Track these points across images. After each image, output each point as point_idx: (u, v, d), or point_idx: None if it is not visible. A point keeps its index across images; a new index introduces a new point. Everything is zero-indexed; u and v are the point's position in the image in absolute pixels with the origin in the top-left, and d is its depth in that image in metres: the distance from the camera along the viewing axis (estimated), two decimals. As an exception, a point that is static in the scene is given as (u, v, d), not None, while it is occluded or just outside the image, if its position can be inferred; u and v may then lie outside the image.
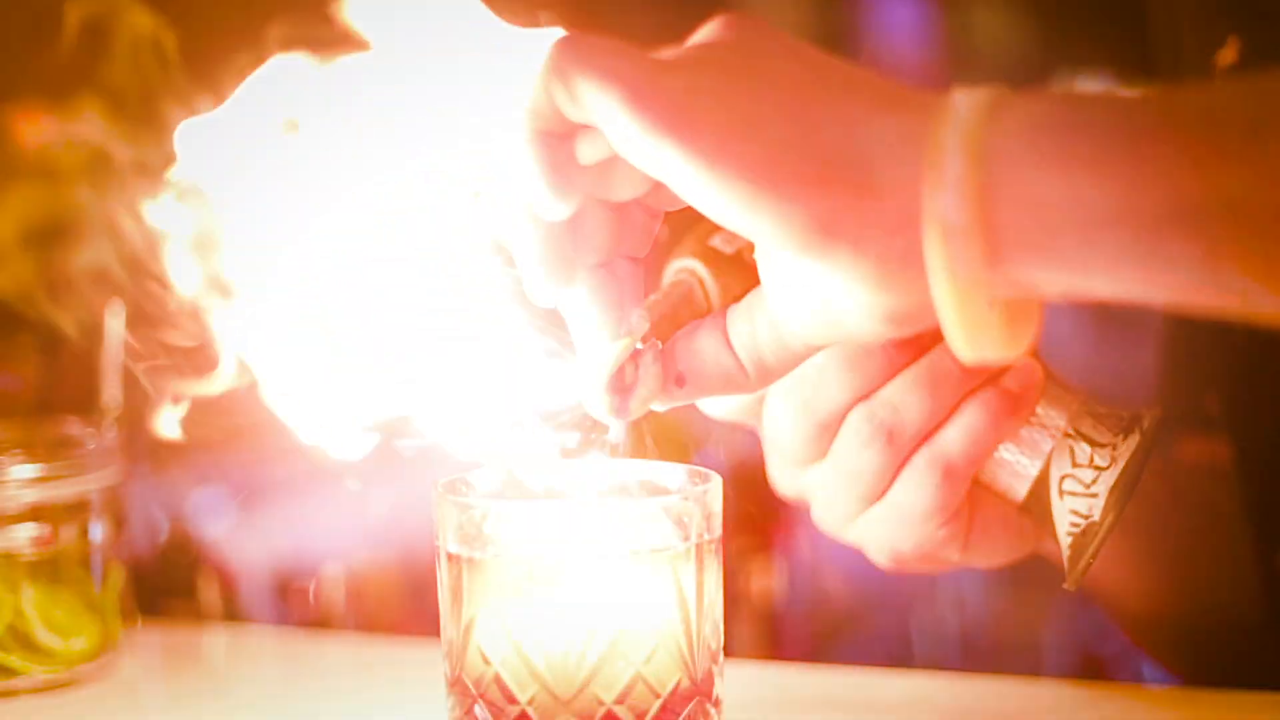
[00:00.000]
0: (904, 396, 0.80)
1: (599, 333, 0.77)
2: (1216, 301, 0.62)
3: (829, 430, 0.82)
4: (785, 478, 0.86)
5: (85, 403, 1.32)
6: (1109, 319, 3.30)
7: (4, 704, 1.07)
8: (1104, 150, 0.61)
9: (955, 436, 0.81)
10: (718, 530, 0.83)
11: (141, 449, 1.39)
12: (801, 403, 0.82)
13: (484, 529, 0.82)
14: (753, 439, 0.92)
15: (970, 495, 0.84)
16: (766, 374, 0.76)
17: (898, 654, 2.32)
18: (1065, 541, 0.81)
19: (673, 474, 0.87)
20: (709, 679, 0.82)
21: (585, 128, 0.71)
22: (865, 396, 0.81)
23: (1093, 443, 0.81)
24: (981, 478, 0.83)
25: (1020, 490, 0.82)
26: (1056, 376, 0.84)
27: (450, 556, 0.82)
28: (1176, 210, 0.60)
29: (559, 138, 0.73)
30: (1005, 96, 0.64)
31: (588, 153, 0.73)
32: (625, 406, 0.79)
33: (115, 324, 1.29)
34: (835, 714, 1.05)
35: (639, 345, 0.78)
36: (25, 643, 1.09)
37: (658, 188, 0.73)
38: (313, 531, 2.23)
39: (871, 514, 0.83)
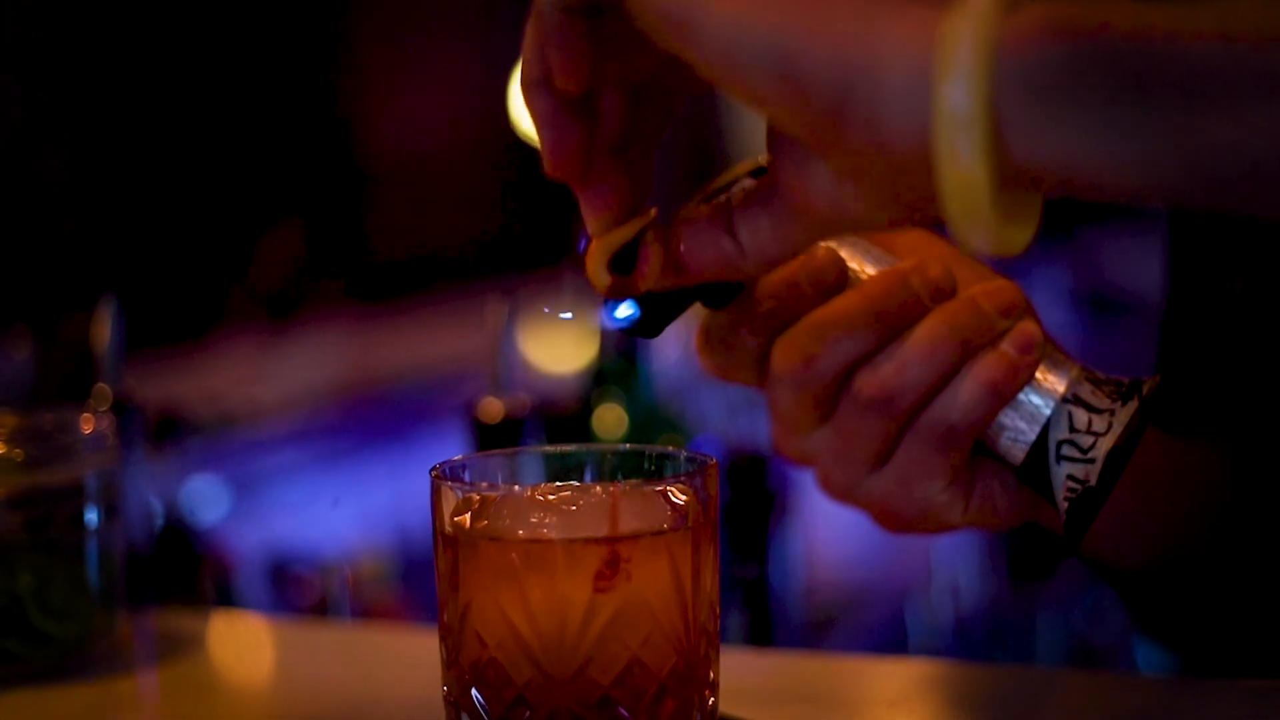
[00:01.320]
0: (904, 360, 0.81)
1: (607, 217, 0.77)
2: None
3: (829, 394, 0.83)
4: (788, 443, 0.86)
5: (81, 389, 1.32)
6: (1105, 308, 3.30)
7: (0, 689, 1.07)
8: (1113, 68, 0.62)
9: (955, 401, 0.81)
10: (715, 514, 0.83)
11: (137, 435, 1.39)
12: (802, 365, 0.82)
13: (480, 513, 0.82)
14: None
15: (971, 459, 0.84)
16: (766, 261, 0.76)
17: (892, 643, 2.33)
18: (1063, 507, 0.82)
19: (670, 458, 0.87)
20: (705, 663, 0.82)
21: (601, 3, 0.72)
22: (866, 360, 0.82)
23: (1091, 409, 0.81)
24: (982, 442, 0.84)
25: (1018, 455, 0.82)
26: (1056, 343, 0.84)
27: (447, 540, 0.82)
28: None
29: (575, 11, 0.72)
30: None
31: (603, 29, 0.73)
32: (626, 286, 0.78)
33: (111, 314, 1.30)
34: (829, 702, 1.05)
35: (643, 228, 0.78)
36: (20, 628, 1.09)
37: (675, 66, 0.72)
38: (308, 519, 2.23)
39: (873, 479, 0.84)
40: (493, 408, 1.30)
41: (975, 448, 0.84)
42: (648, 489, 0.83)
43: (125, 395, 1.34)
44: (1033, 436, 0.82)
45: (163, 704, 1.10)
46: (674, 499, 0.82)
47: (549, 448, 0.89)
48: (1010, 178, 0.64)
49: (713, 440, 1.63)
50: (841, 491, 0.85)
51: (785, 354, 0.82)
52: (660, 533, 0.81)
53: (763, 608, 1.57)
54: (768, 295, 0.82)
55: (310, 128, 3.08)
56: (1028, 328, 0.82)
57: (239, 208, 2.89)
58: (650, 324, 0.80)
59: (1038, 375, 0.82)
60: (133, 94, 2.70)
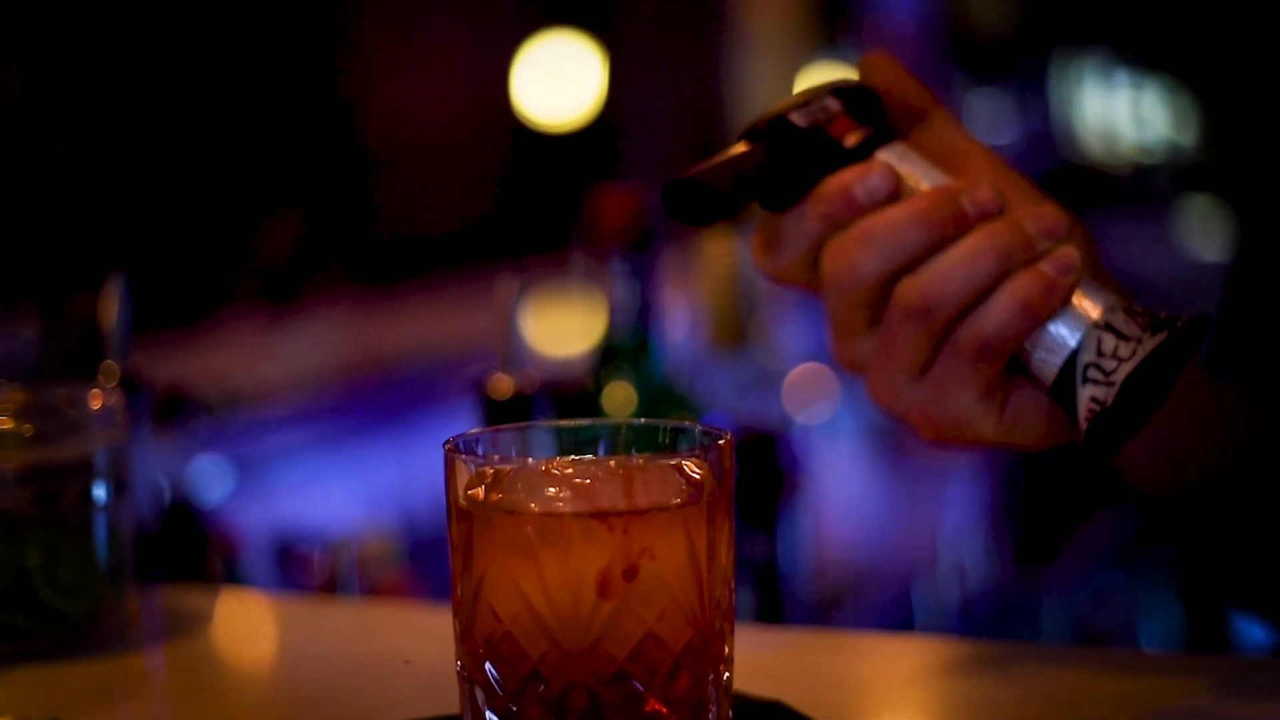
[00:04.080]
0: (944, 271, 0.84)
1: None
2: None
3: (875, 300, 0.86)
4: (842, 350, 0.89)
5: (88, 368, 1.32)
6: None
7: (8, 665, 1.07)
8: None
9: (991, 315, 0.84)
10: (729, 488, 0.83)
11: (144, 414, 1.39)
12: (848, 269, 0.86)
13: (495, 486, 0.81)
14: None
15: (1006, 375, 0.87)
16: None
17: (899, 625, 2.33)
18: (1083, 426, 0.84)
19: (685, 432, 0.86)
20: (720, 637, 0.82)
21: None
22: (909, 270, 0.85)
23: (1120, 336, 0.84)
24: (1018, 359, 0.86)
25: (1049, 374, 0.85)
26: (1098, 269, 0.88)
27: (460, 513, 0.82)
28: None
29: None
30: None
31: None
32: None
33: (118, 291, 1.29)
34: (841, 678, 1.05)
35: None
36: (29, 604, 1.09)
37: None
38: (314, 498, 2.23)
39: (913, 388, 0.87)
40: (503, 384, 1.29)
41: (1011, 365, 0.87)
42: (663, 463, 0.82)
43: (132, 373, 1.33)
44: (1064, 357, 0.85)
45: (170, 680, 1.10)
46: (689, 473, 0.82)
47: (563, 422, 0.88)
48: None
49: (722, 418, 1.63)
50: (885, 399, 0.89)
51: (834, 258, 0.86)
52: (676, 507, 0.80)
53: (772, 586, 1.57)
54: (823, 202, 0.86)
55: (315, 110, 3.07)
56: (1068, 251, 0.85)
57: (245, 189, 2.89)
58: (705, 212, 0.85)
59: (1074, 299, 0.85)
60: (139, 74, 2.70)
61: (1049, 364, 0.85)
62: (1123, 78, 5.48)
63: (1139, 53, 5.46)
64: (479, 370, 1.32)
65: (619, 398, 1.58)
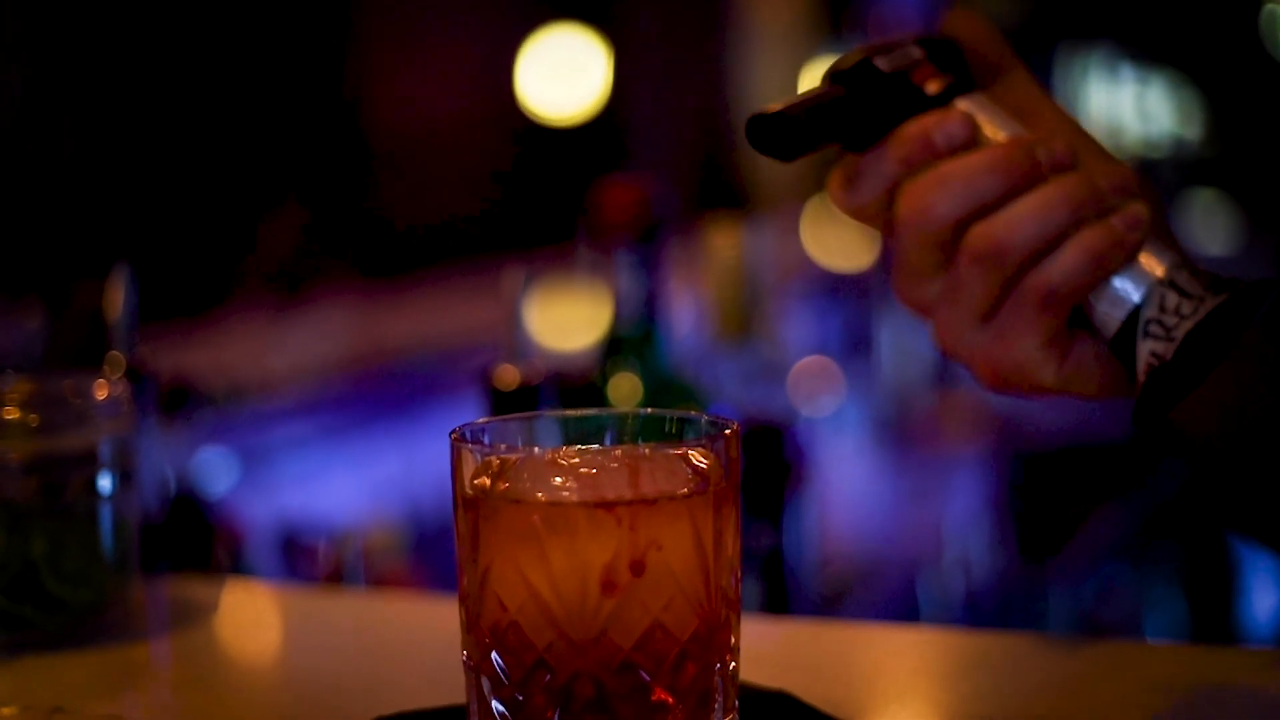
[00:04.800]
0: (1015, 219, 0.86)
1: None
2: None
3: (945, 243, 0.88)
4: (908, 291, 0.91)
5: (93, 359, 1.32)
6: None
7: (13, 654, 1.07)
8: None
9: (1059, 265, 0.86)
10: (736, 478, 0.82)
11: (150, 405, 1.39)
12: (922, 211, 0.88)
13: (501, 475, 0.81)
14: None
15: (1069, 329, 0.89)
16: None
17: (904, 617, 2.33)
18: (1140, 380, 0.87)
19: (691, 422, 0.86)
20: (726, 627, 0.82)
21: None
22: (983, 216, 0.87)
23: (1182, 293, 0.86)
24: (1082, 310, 0.89)
25: (1112, 326, 0.87)
26: (1166, 228, 0.90)
27: (467, 503, 0.82)
28: None
29: None
30: None
31: None
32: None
33: (124, 282, 1.29)
34: (847, 668, 1.05)
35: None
36: (34, 594, 1.09)
37: None
38: (319, 490, 2.23)
39: (978, 333, 0.89)
40: (508, 374, 1.29)
41: (1074, 317, 0.89)
42: (669, 452, 0.82)
43: (138, 364, 1.33)
44: (1127, 310, 0.87)
45: (175, 670, 1.10)
46: (696, 463, 0.82)
47: (569, 411, 0.88)
48: None
49: (728, 410, 1.62)
50: (949, 342, 0.91)
51: (909, 199, 0.88)
52: (682, 497, 0.80)
53: (778, 578, 1.57)
54: (902, 145, 0.89)
55: (321, 103, 3.07)
56: (1137, 208, 0.87)
57: (251, 182, 2.89)
58: (786, 147, 0.87)
59: (1140, 255, 0.87)
60: (145, 66, 2.70)
61: (1112, 317, 0.87)
62: (1128, 72, 5.48)
63: (1144, 47, 5.45)
64: (484, 361, 1.32)
65: (624, 389, 1.58)
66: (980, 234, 0.87)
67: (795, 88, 4.09)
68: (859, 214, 0.92)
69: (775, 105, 0.88)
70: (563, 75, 3.47)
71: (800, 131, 0.87)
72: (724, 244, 1.79)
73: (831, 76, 0.90)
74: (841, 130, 0.89)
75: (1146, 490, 3.08)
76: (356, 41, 3.22)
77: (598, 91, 3.52)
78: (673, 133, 3.99)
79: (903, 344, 3.26)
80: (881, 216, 0.91)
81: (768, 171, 4.26)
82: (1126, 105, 5.43)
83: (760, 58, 4.43)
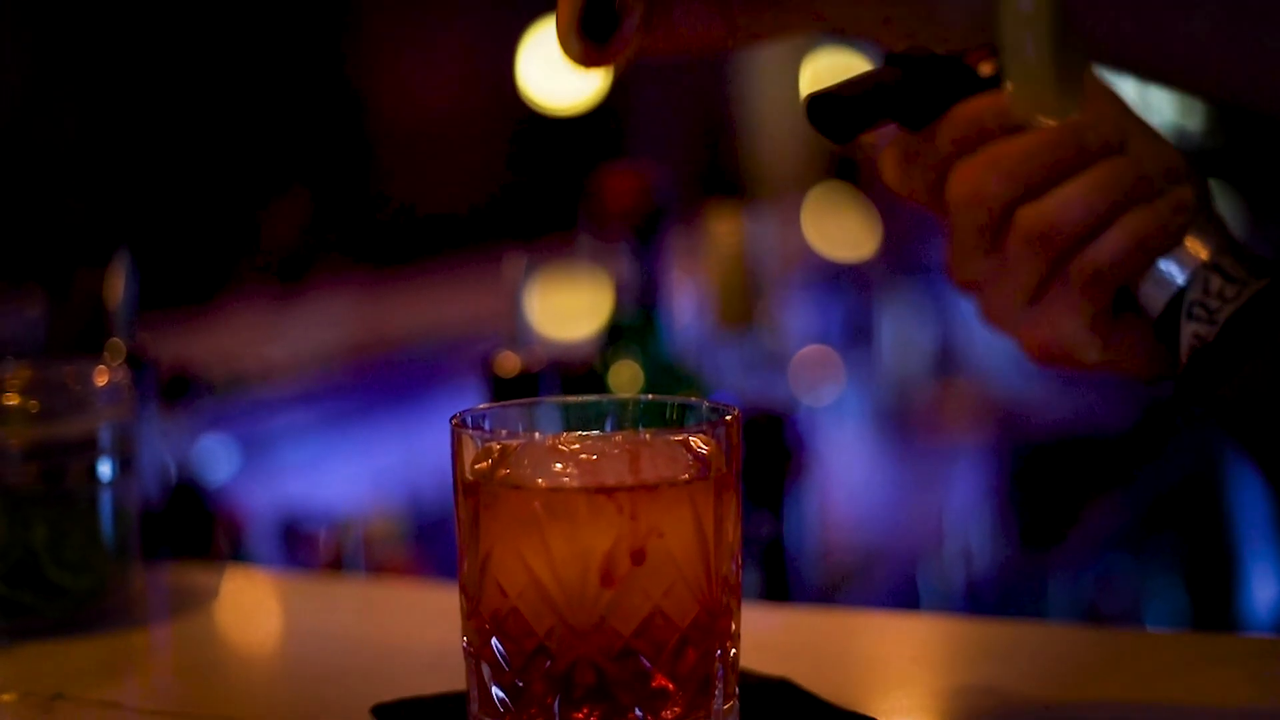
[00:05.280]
0: (1065, 201, 0.88)
1: None
2: None
3: (996, 223, 0.89)
4: (959, 269, 0.92)
5: (94, 346, 1.32)
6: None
7: (14, 641, 1.06)
8: None
9: (1106, 247, 0.88)
10: (737, 464, 0.82)
11: (150, 392, 1.39)
12: (974, 191, 0.89)
13: (502, 461, 0.81)
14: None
15: (1116, 307, 0.91)
16: (753, 37, 0.86)
17: (904, 607, 2.32)
18: (1184, 360, 0.88)
19: (692, 408, 0.86)
20: (727, 614, 0.82)
21: None
22: (1032, 197, 0.88)
23: (1226, 277, 0.87)
24: (1128, 291, 0.90)
25: (1156, 308, 0.89)
26: (1213, 213, 0.91)
27: (467, 489, 0.81)
28: None
29: None
30: None
31: None
32: (601, 54, 0.88)
33: (124, 269, 1.29)
34: (848, 655, 1.05)
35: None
36: (35, 580, 1.08)
37: None
38: (319, 479, 2.23)
39: (1026, 312, 0.91)
40: (509, 361, 1.29)
41: (1119, 297, 0.90)
42: (670, 438, 0.82)
43: (138, 350, 1.33)
44: (1171, 293, 0.88)
45: (175, 657, 1.10)
46: (696, 448, 0.82)
47: (570, 398, 0.88)
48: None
49: (729, 398, 1.62)
50: (997, 319, 0.92)
51: (961, 181, 0.90)
52: (683, 483, 0.80)
53: (778, 567, 1.57)
54: (956, 126, 0.90)
55: (322, 91, 3.07)
56: (1184, 192, 0.89)
57: (252, 170, 2.88)
58: (843, 126, 0.88)
59: (1186, 239, 0.89)
60: (147, 52, 2.69)
61: (1156, 298, 0.89)
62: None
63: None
64: (485, 348, 1.32)
65: (625, 377, 1.58)
66: (1030, 215, 0.88)
67: (796, 76, 4.09)
68: (912, 194, 0.94)
69: (832, 86, 0.89)
70: (564, 64, 3.46)
71: (856, 112, 0.88)
72: (725, 232, 1.79)
73: (887, 58, 0.91)
74: (896, 110, 0.90)
75: (1147, 480, 3.08)
76: (358, 30, 3.22)
77: (599, 80, 3.52)
78: (674, 121, 3.99)
79: (904, 334, 3.26)
80: (934, 196, 0.92)
81: (769, 160, 4.25)
82: (1129, 96, 5.42)
83: (761, 47, 4.42)
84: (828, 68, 4.00)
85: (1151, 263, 0.89)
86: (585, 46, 0.86)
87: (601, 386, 1.57)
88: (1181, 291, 0.88)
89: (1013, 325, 0.92)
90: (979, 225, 0.90)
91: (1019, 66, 0.75)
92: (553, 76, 3.43)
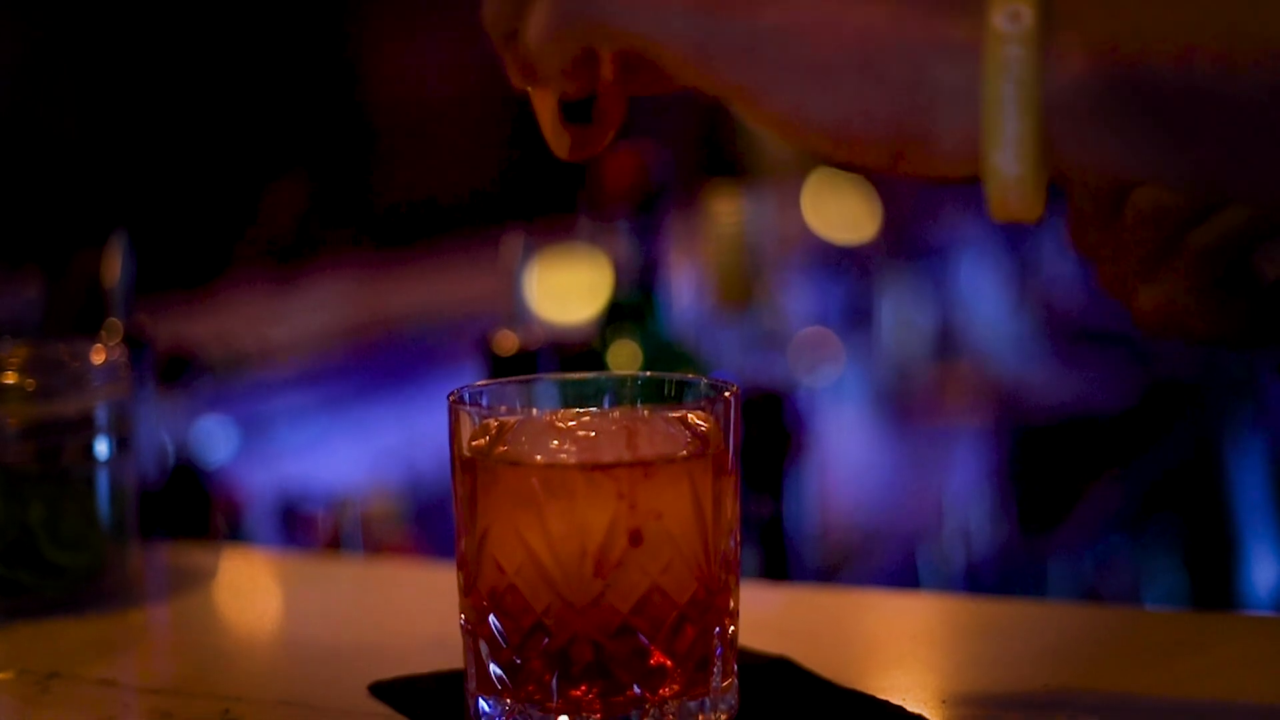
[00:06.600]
0: None
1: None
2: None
3: (1114, 200, 0.90)
4: (1079, 237, 0.93)
5: (91, 327, 1.31)
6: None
7: (10, 620, 1.06)
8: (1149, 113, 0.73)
9: (1216, 226, 0.88)
10: (736, 441, 0.82)
11: (148, 372, 1.39)
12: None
13: (499, 438, 0.81)
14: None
15: (1227, 281, 0.91)
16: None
17: (904, 588, 2.32)
18: None
19: (690, 385, 0.86)
20: (726, 591, 0.82)
21: None
22: None
23: None
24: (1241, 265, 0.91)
25: (1269, 277, 0.90)
26: None
27: (465, 465, 0.81)
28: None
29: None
30: (1048, 33, 0.72)
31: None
32: (591, 138, 0.87)
33: (122, 249, 1.29)
34: (848, 634, 1.05)
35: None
36: (32, 559, 1.08)
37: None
38: (318, 459, 2.23)
39: (1138, 281, 0.91)
40: (508, 340, 1.29)
41: (1232, 273, 0.91)
42: (668, 415, 0.82)
43: (136, 330, 1.33)
44: None
45: (172, 636, 1.10)
46: (695, 425, 0.81)
47: (568, 375, 0.88)
48: (1045, 180, 0.75)
49: (728, 377, 1.62)
50: (1112, 288, 0.93)
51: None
52: (681, 459, 0.80)
53: (777, 547, 1.57)
54: None
55: (321, 73, 3.06)
56: None
57: (251, 153, 2.88)
58: None
59: None
60: (145, 35, 2.69)
61: (1266, 274, 0.90)
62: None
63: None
64: (484, 326, 1.31)
65: (624, 356, 1.58)
66: (1144, 193, 0.89)
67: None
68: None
69: None
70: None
71: None
72: (725, 212, 1.78)
73: None
74: None
75: (1146, 462, 3.08)
76: (357, 13, 3.21)
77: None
78: (674, 101, 3.98)
79: (904, 316, 3.25)
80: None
81: (769, 141, 4.25)
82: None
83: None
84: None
85: (1266, 236, 0.90)
86: (574, 133, 0.86)
87: (600, 366, 1.57)
88: None
89: (1125, 294, 0.93)
90: (1097, 200, 0.91)
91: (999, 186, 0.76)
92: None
